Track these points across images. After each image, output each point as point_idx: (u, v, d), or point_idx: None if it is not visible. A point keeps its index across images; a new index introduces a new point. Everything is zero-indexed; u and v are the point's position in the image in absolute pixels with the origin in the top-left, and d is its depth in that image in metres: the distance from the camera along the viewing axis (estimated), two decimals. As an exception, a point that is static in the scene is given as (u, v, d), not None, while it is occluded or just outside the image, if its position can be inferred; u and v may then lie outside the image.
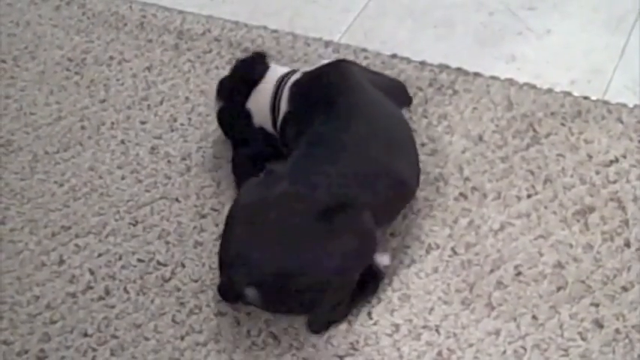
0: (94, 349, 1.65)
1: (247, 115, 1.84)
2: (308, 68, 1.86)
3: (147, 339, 1.65)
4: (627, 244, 1.68)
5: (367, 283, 1.63)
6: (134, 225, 1.83)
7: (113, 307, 1.70)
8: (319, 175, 1.62)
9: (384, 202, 1.66)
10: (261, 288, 1.55)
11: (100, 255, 1.79)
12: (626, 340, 1.55)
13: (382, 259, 1.66)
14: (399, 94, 1.93)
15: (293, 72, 1.84)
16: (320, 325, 1.61)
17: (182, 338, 1.64)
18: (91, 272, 1.76)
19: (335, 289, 1.57)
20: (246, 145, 1.85)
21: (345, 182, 1.61)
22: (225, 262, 1.60)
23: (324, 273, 1.54)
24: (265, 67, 1.86)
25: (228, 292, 1.60)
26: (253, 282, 1.55)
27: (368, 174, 1.65)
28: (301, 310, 1.61)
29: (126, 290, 1.72)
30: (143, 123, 2.03)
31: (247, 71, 1.86)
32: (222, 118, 1.90)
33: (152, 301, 1.70)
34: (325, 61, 1.88)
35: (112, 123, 2.04)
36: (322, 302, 1.57)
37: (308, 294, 1.55)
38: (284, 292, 1.55)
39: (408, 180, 1.72)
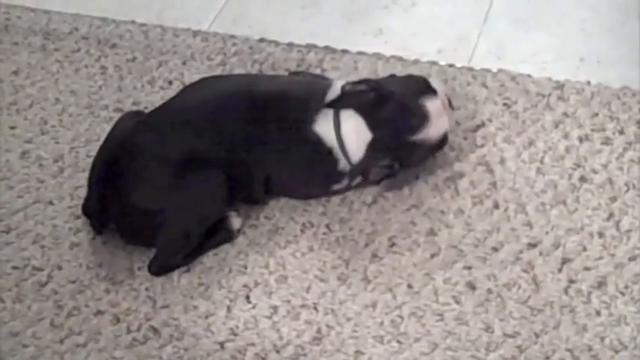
0: (-28, 362, 1.62)
1: None
2: None
3: (25, 346, 1.62)
4: (496, 206, 1.71)
5: (215, 236, 1.73)
6: (7, 232, 1.80)
7: (-11, 317, 1.68)
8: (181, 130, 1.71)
9: None
10: (116, 221, 1.72)
11: (-27, 266, 1.76)
12: (498, 299, 1.58)
13: (234, 221, 1.73)
14: None
15: None
16: (158, 268, 1.70)
17: (61, 342, 1.62)
18: (-34, 284, 1.73)
19: (170, 232, 1.68)
20: None
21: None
22: (89, 191, 1.74)
23: (163, 214, 1.67)
24: None
25: (90, 218, 1.75)
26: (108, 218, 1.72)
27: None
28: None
29: (1, 299, 1.69)
30: (12, 128, 2.00)
31: None
32: None
33: (29, 308, 1.67)
34: None
35: (-19, 131, 2.01)
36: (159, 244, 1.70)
37: (149, 231, 1.69)
38: (130, 227, 1.71)
39: None
